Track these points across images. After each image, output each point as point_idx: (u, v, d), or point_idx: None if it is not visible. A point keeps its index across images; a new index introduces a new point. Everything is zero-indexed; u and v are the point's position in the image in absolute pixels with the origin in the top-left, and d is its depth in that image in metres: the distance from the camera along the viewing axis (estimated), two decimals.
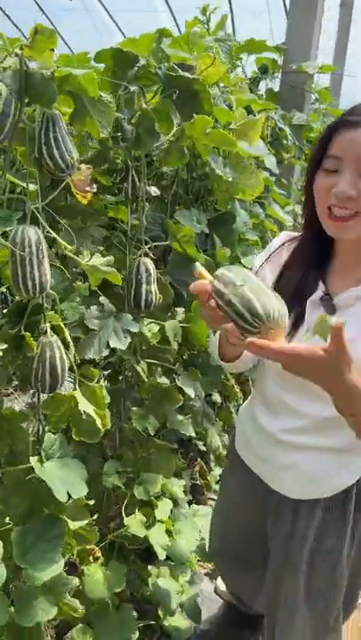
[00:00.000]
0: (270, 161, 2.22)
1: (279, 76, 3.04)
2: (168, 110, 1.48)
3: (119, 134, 1.30)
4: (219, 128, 1.69)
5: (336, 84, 5.75)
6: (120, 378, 1.64)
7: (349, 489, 1.20)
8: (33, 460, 1.06)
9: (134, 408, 1.58)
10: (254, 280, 0.87)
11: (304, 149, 2.85)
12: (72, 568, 1.59)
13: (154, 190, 1.49)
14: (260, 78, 3.00)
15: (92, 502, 1.45)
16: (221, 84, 2.27)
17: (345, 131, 0.99)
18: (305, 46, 2.96)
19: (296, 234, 1.23)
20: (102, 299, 1.38)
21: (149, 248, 1.60)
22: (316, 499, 1.21)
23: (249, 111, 2.24)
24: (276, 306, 0.82)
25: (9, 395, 3.09)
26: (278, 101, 3.00)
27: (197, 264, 0.92)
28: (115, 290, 1.60)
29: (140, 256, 1.46)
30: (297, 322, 1.11)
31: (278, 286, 1.16)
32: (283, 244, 1.23)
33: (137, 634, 1.53)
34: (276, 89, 3.10)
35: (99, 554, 1.61)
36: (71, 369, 1.31)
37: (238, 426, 1.44)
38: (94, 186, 1.12)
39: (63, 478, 1.11)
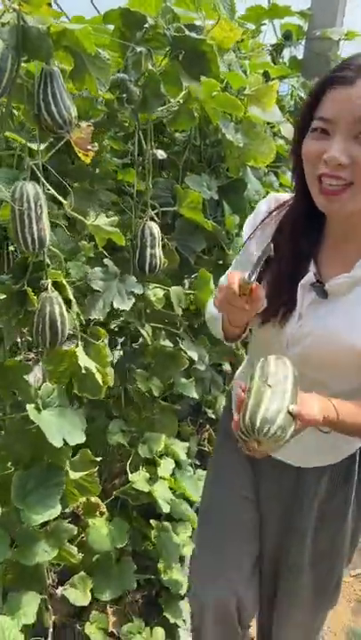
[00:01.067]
0: (287, 129, 2.19)
1: (303, 44, 2.97)
2: (176, 73, 1.48)
3: (125, 95, 1.31)
4: (231, 93, 1.68)
5: None
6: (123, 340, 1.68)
7: (353, 455, 1.20)
8: (29, 407, 1.11)
9: (139, 370, 1.62)
10: (288, 383, 0.88)
11: None
12: (77, 519, 1.67)
13: (160, 153, 1.50)
14: (283, 45, 2.93)
15: (98, 459, 1.51)
16: (240, 50, 2.25)
17: (337, 89, 0.88)
18: (331, 12, 2.87)
19: (286, 196, 1.13)
20: (106, 260, 1.41)
21: (157, 214, 1.62)
22: (321, 466, 1.20)
23: (269, 79, 2.21)
24: (276, 424, 0.82)
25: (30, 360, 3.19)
26: (302, 69, 2.94)
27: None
28: (121, 254, 1.63)
29: (145, 219, 1.48)
30: (288, 307, 1.05)
31: (266, 266, 1.06)
32: (271, 213, 1.12)
33: (135, 585, 1.60)
34: (301, 57, 3.02)
35: (104, 509, 1.68)
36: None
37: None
38: (96, 144, 1.14)
39: (59, 426, 1.16)
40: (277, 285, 1.04)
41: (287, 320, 1.04)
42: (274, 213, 1.10)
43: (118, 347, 1.83)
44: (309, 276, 1.02)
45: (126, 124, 1.51)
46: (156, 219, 1.50)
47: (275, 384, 0.85)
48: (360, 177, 0.87)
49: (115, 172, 1.62)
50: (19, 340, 1.75)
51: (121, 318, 1.63)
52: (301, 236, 1.04)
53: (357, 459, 1.21)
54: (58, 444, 1.12)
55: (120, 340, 1.85)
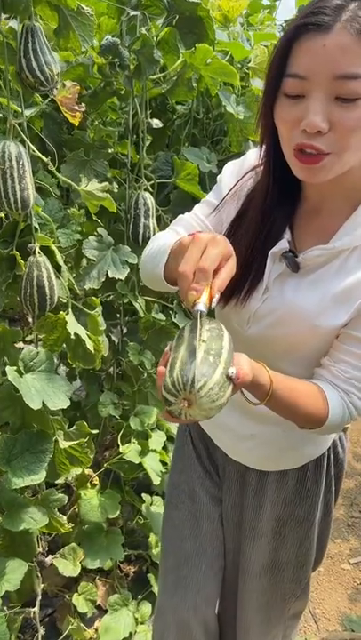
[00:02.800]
0: None
1: None
2: (174, 41, 1.46)
3: (117, 60, 1.29)
4: (235, 66, 1.65)
5: None
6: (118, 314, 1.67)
7: (320, 458, 1.12)
8: (9, 370, 1.11)
9: (131, 343, 1.61)
10: (225, 341, 0.73)
11: None
12: (71, 492, 1.68)
13: (155, 123, 1.48)
14: None
15: (95, 432, 1.52)
16: (250, 25, 2.21)
17: (310, 38, 0.72)
18: None
19: None
20: (101, 230, 1.40)
21: (152, 186, 1.60)
22: (284, 470, 1.11)
23: None
24: (213, 379, 0.66)
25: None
26: None
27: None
28: (116, 227, 1.62)
29: (140, 190, 1.47)
30: (255, 278, 0.92)
31: (235, 231, 0.96)
32: (254, 168, 0.98)
33: (122, 556, 1.60)
34: None
35: (96, 481, 1.68)
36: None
37: None
38: (83, 105, 1.12)
39: (41, 389, 1.16)
40: (245, 255, 0.92)
41: (251, 295, 0.93)
42: (258, 169, 0.97)
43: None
44: (282, 244, 0.90)
45: (122, 92, 1.50)
46: (150, 189, 1.48)
47: (209, 339, 0.70)
48: (341, 142, 0.75)
49: (112, 143, 1.61)
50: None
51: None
52: (275, 205, 0.92)
53: (325, 463, 1.13)
54: (35, 406, 1.12)
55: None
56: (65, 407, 1.21)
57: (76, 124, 1.16)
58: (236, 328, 0.96)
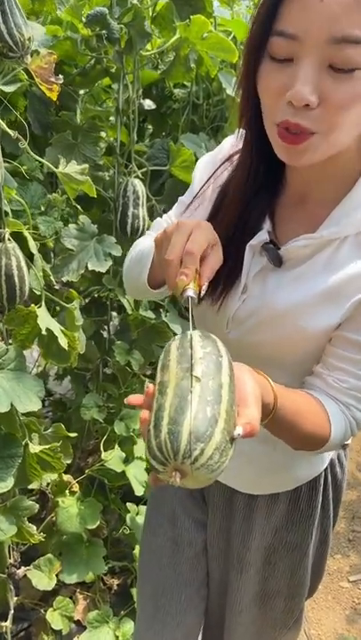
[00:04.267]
0: None
1: None
2: (170, 16, 1.35)
3: (105, 32, 1.18)
4: (238, 47, 1.54)
5: None
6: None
7: (316, 479, 1.00)
8: None
9: (119, 342, 1.50)
10: (223, 373, 0.55)
11: None
12: (45, 497, 1.57)
13: (148, 104, 1.36)
14: None
15: (73, 435, 1.41)
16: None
17: None
18: None
19: None
20: (83, 217, 1.29)
21: (145, 174, 1.49)
22: (275, 493, 0.99)
23: None
24: (212, 444, 0.49)
25: None
26: None
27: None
28: (104, 217, 1.51)
29: (128, 176, 1.36)
30: (231, 276, 0.81)
31: (210, 219, 0.84)
32: (232, 156, 0.87)
33: (104, 569, 1.49)
34: None
35: (76, 488, 1.57)
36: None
37: None
38: (60, 76, 1.01)
39: (9, 390, 1.05)
40: (225, 247, 0.80)
41: (228, 294, 0.82)
42: (236, 157, 0.87)
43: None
44: (262, 235, 0.79)
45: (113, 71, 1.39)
46: (140, 176, 1.37)
47: (205, 374, 0.53)
48: (330, 121, 0.64)
49: (103, 127, 1.50)
50: None
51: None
52: (254, 191, 0.81)
53: (321, 485, 1.01)
54: (3, 408, 1.02)
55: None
56: (35, 410, 1.10)
57: (54, 99, 1.05)
58: (214, 332, 0.84)
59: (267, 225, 0.80)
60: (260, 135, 0.74)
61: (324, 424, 0.75)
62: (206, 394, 0.51)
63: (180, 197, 0.97)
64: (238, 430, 0.52)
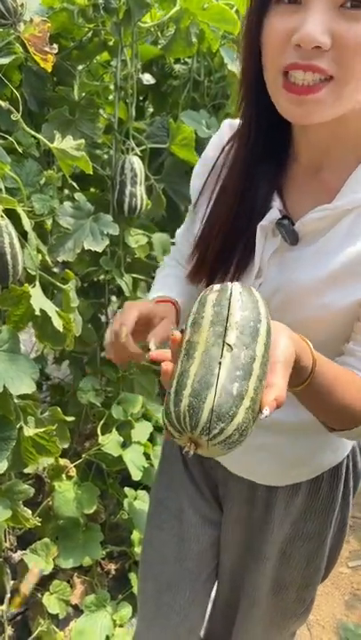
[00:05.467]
0: None
1: None
2: None
3: (101, 1, 1.14)
4: (240, 20, 1.49)
5: None
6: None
7: (338, 467, 0.96)
8: None
9: None
10: (259, 342, 0.50)
11: None
12: (41, 481, 1.55)
13: (146, 79, 1.32)
14: None
15: (70, 419, 1.39)
16: None
17: None
18: None
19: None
20: (78, 195, 1.26)
21: (144, 152, 1.45)
22: (295, 483, 0.95)
23: None
24: (234, 423, 0.46)
25: None
26: None
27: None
28: (101, 196, 1.47)
29: (126, 153, 1.32)
30: (242, 260, 0.77)
31: (211, 209, 0.82)
32: (229, 142, 0.84)
33: (100, 554, 1.48)
34: None
35: (73, 472, 1.55)
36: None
37: None
38: (55, 46, 0.97)
39: (2, 372, 1.03)
40: (227, 231, 0.78)
41: (240, 278, 0.78)
42: (226, 148, 0.83)
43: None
44: (273, 214, 0.75)
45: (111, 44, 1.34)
46: (139, 153, 1.33)
47: (239, 342, 0.49)
48: (346, 66, 0.59)
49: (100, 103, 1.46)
50: None
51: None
52: (257, 166, 0.77)
53: (343, 473, 0.96)
54: None
55: None
56: (30, 392, 1.07)
57: (49, 70, 1.00)
58: None
59: (276, 203, 0.75)
60: (263, 103, 0.70)
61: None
62: (236, 367, 0.47)
63: (189, 214, 1.02)
64: (265, 412, 0.49)
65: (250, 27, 0.67)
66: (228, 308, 0.51)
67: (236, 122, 0.82)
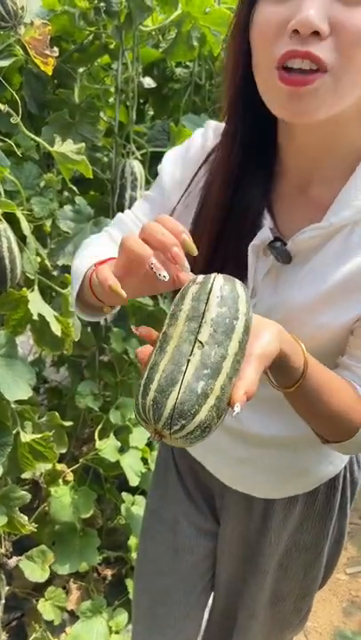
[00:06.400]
0: None
1: None
2: None
3: (103, 4, 1.13)
4: None
5: None
6: None
7: (335, 479, 0.94)
8: None
9: (115, 329, 1.46)
10: (233, 339, 0.50)
11: None
12: (38, 486, 1.54)
13: (147, 82, 1.31)
14: None
15: (68, 423, 1.38)
16: None
17: None
18: None
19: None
20: (78, 199, 1.25)
21: (145, 155, 1.45)
22: (293, 495, 0.93)
23: None
24: (195, 421, 0.47)
25: None
26: None
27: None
28: (101, 200, 1.46)
29: (126, 157, 1.31)
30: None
31: (200, 220, 0.77)
32: (209, 157, 0.78)
33: (97, 559, 1.47)
34: None
35: (70, 477, 1.54)
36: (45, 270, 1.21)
37: None
38: (56, 49, 0.96)
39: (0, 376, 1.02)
40: (214, 255, 0.73)
41: None
42: (211, 157, 0.78)
43: None
44: (264, 234, 0.71)
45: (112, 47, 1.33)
46: (139, 157, 1.32)
47: (210, 340, 0.49)
48: (345, 55, 0.55)
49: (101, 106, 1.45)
50: None
51: None
52: (245, 182, 0.72)
53: (340, 484, 0.95)
54: None
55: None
56: (25, 398, 1.07)
57: (49, 73, 1.00)
58: None
59: (267, 221, 0.72)
60: (249, 111, 0.67)
61: (356, 407, 0.68)
62: (204, 365, 0.48)
63: (144, 192, 0.90)
64: (237, 409, 0.48)
65: (239, 22, 0.63)
66: (206, 303, 0.51)
67: (221, 125, 0.77)
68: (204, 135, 0.81)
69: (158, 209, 0.83)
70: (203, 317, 0.50)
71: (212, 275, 0.53)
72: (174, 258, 0.54)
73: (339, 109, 0.60)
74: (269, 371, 0.61)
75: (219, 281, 0.53)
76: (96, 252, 0.77)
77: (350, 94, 0.59)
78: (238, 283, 0.54)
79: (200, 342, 0.48)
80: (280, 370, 0.60)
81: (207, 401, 0.47)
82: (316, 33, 0.54)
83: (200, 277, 0.54)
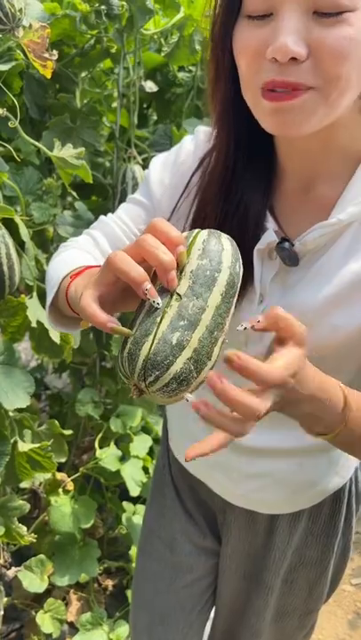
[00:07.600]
0: None
1: None
2: None
3: (104, 8, 1.12)
4: None
5: None
6: None
7: (340, 491, 0.92)
8: None
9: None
10: (214, 291, 0.50)
11: None
12: (37, 496, 1.52)
13: (149, 86, 1.30)
14: None
15: (68, 432, 1.36)
16: None
17: None
18: None
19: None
20: (78, 204, 1.23)
21: (146, 160, 1.43)
22: (298, 510, 0.91)
23: None
24: (171, 372, 0.47)
25: None
26: None
27: None
28: (103, 205, 1.45)
29: (128, 162, 1.29)
30: (241, 284, 0.69)
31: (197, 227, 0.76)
32: (202, 161, 0.77)
33: (97, 570, 1.44)
34: None
35: (70, 486, 1.52)
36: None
37: (175, 420, 0.99)
38: (55, 52, 0.95)
39: None
40: None
41: (242, 308, 0.71)
42: (205, 163, 0.76)
43: None
44: (269, 236, 0.69)
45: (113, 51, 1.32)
46: (140, 162, 1.31)
47: (189, 293, 0.49)
48: (326, 74, 0.55)
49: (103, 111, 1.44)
50: None
51: None
52: (244, 187, 0.70)
53: (345, 496, 0.92)
54: None
55: None
56: (24, 406, 1.05)
57: (48, 76, 0.98)
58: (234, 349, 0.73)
59: (271, 224, 0.70)
60: (241, 121, 0.66)
61: None
62: (180, 317, 0.48)
63: (130, 195, 0.87)
64: (190, 397, 0.48)
65: (219, 44, 0.63)
66: (188, 255, 0.51)
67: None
68: (195, 141, 0.79)
69: (145, 213, 0.82)
70: (183, 270, 0.50)
71: (197, 230, 0.54)
72: (168, 283, 0.50)
73: (329, 120, 0.59)
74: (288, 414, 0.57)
75: (202, 235, 0.53)
76: (72, 257, 0.75)
77: (339, 108, 0.58)
78: (225, 237, 0.54)
79: (178, 294, 0.49)
80: (316, 409, 0.57)
81: (183, 352, 0.47)
82: (294, 58, 0.54)
83: (186, 232, 0.54)
